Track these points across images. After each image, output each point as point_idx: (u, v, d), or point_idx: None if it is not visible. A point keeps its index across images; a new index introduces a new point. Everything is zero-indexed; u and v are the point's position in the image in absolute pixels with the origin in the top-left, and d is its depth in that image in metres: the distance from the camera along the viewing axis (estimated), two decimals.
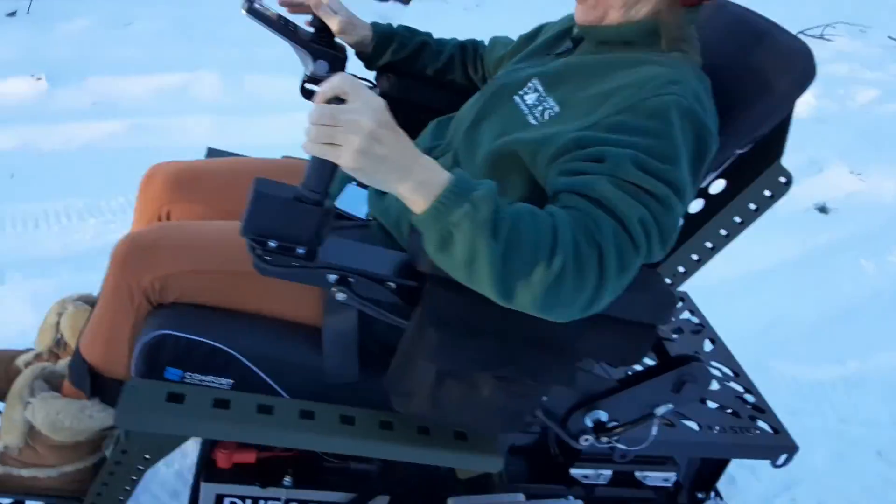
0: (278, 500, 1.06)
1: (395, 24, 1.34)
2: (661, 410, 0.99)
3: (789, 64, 0.95)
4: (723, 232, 1.04)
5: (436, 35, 1.41)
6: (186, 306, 0.96)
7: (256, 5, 1.21)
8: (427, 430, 0.94)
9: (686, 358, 1.00)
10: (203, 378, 0.94)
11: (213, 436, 1.02)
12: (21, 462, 0.99)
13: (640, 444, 1.00)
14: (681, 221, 0.86)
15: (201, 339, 0.93)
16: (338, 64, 1.26)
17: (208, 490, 1.05)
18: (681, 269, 1.06)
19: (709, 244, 1.05)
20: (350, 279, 0.81)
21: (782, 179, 1.00)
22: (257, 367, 0.95)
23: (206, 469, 1.06)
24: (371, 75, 1.37)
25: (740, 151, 1.00)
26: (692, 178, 0.85)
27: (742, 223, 1.04)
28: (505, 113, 1.01)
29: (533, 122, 0.96)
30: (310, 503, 1.08)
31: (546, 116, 0.95)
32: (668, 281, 1.05)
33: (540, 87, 0.99)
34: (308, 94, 1.27)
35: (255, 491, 1.05)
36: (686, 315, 1.56)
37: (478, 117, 1.05)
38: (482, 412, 0.90)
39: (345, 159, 0.68)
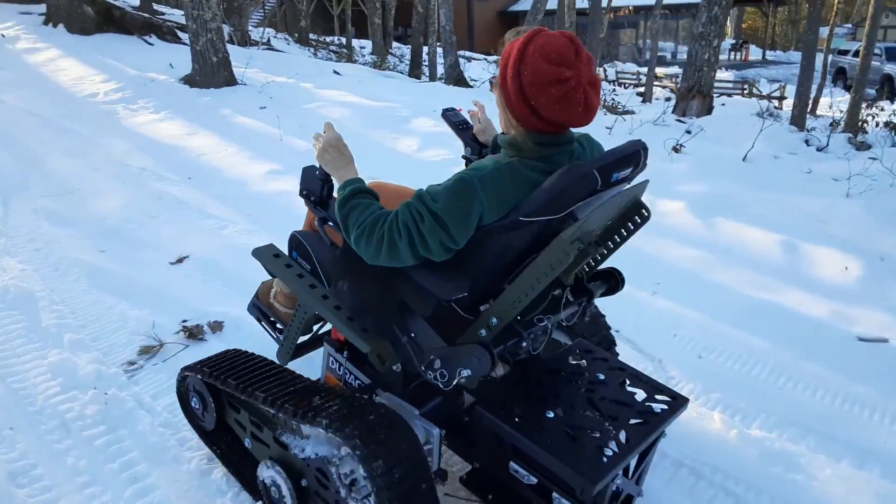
0: (342, 364, 1.91)
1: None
2: (464, 373, 1.51)
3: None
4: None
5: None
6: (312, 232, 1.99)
7: (448, 112, 2.23)
8: (352, 318, 1.69)
9: (480, 343, 1.49)
10: (299, 259, 1.93)
11: (277, 275, 1.89)
12: (282, 300, 2.13)
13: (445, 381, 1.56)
14: (441, 242, 1.42)
15: (303, 242, 1.94)
16: (475, 148, 2.14)
17: (326, 348, 1.95)
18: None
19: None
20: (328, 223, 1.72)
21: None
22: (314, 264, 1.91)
23: (327, 337, 1.97)
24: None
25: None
26: (454, 217, 1.41)
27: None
28: None
29: None
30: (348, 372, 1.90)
31: None
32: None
33: None
34: (466, 161, 2.09)
35: (339, 356, 1.90)
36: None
37: None
38: (361, 305, 1.75)
39: (316, 157, 1.70)
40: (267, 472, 1.72)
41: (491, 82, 1.61)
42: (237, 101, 6.68)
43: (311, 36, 19.66)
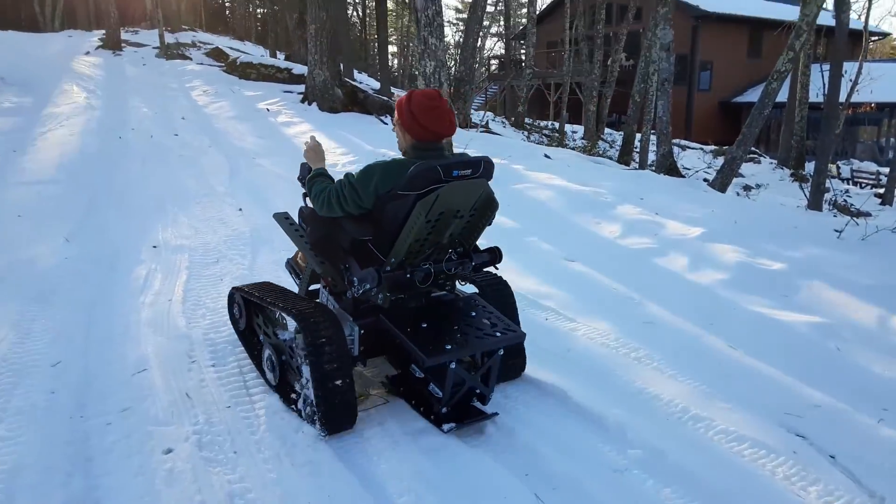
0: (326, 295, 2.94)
1: None
2: (365, 285, 2.54)
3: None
4: None
5: None
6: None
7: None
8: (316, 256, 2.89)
9: (374, 269, 2.50)
10: (303, 223, 3.07)
11: (284, 230, 3.21)
12: (301, 259, 3.20)
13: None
14: (354, 200, 2.53)
15: (304, 212, 3.06)
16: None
17: (321, 288, 3.00)
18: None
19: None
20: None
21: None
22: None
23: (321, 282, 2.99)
24: None
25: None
26: (362, 185, 2.49)
27: None
28: None
29: None
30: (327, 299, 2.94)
31: None
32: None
33: None
34: None
35: (324, 292, 2.94)
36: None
37: None
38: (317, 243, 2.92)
39: (303, 154, 2.92)
40: (266, 352, 2.87)
41: (394, 124, 2.70)
42: None
43: (527, 120, 20.55)
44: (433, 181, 2.36)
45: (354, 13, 40.96)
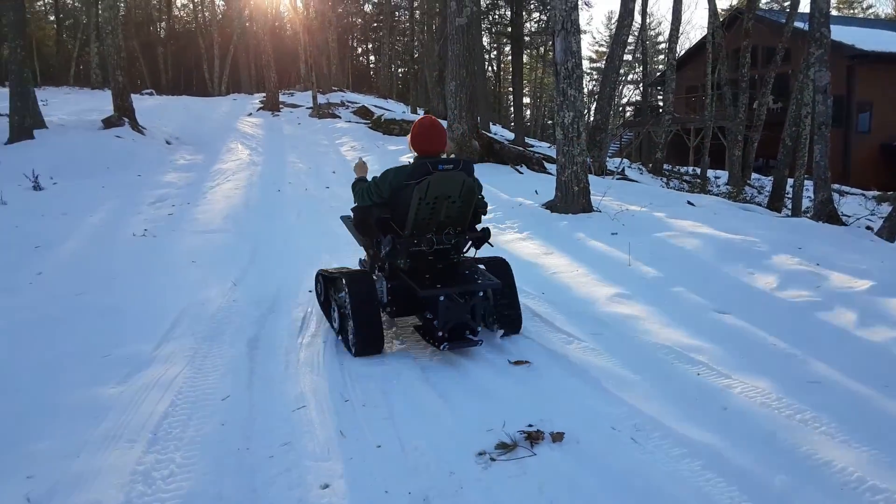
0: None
1: None
2: (385, 248, 3.83)
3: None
4: None
5: None
6: None
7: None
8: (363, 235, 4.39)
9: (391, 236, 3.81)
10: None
11: (345, 224, 4.92)
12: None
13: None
14: (377, 193, 3.96)
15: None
16: None
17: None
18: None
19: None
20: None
21: None
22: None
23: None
24: None
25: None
26: (380, 183, 3.90)
27: None
28: None
29: None
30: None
31: None
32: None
33: None
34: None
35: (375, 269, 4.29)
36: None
37: None
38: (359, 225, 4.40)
39: (354, 169, 4.56)
40: (333, 308, 4.15)
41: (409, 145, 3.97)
42: (591, 227, 7.11)
43: (665, 166, 19.96)
44: (425, 172, 3.63)
45: (490, 68, 42.19)
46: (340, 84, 30.84)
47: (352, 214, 4.50)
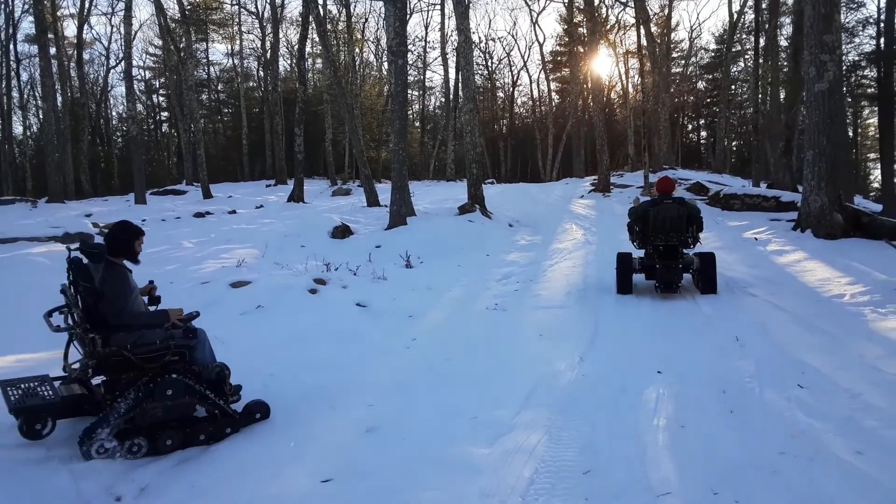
0: None
1: None
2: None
3: None
4: None
5: None
6: None
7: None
8: None
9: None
10: None
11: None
12: None
13: None
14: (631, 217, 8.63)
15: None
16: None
17: None
18: None
19: None
20: None
21: None
22: None
23: None
24: None
25: None
26: (630, 214, 8.74)
27: None
28: None
29: None
30: None
31: None
32: None
33: None
34: None
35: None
36: None
37: None
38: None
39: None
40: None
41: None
42: None
43: None
44: (657, 203, 7.80)
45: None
46: (670, 162, 30.33)
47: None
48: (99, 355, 3.79)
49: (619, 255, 7.92)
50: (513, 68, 55.97)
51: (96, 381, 4.19)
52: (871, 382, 4.40)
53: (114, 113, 45.18)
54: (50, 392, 4.03)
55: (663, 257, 7.69)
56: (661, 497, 2.99)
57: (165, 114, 46.74)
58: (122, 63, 31.07)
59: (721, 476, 3.17)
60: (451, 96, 34.14)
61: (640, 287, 8.12)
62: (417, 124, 44.96)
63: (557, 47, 45.49)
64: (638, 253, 8.21)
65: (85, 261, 3.95)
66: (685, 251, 7.89)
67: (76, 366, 4.00)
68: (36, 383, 4.13)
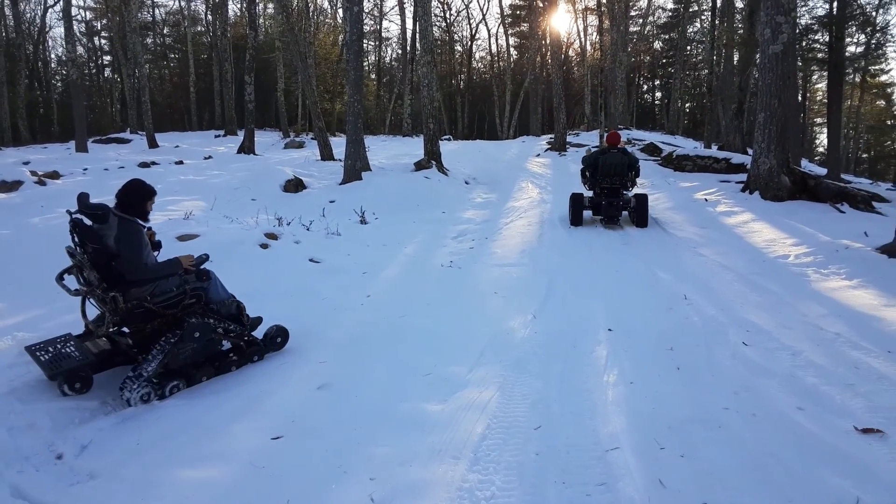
0: None
1: None
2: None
3: None
4: None
5: None
6: None
7: None
8: None
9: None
10: None
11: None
12: None
13: None
14: (584, 165, 11.01)
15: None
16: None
17: None
18: None
19: None
20: None
21: None
22: None
23: None
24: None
25: None
26: (583, 163, 11.34)
27: None
28: None
29: None
30: None
31: None
32: None
33: None
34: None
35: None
36: None
37: None
38: None
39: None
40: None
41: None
42: None
43: None
44: (605, 152, 10.02)
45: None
46: (626, 122, 30.56)
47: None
48: (122, 311, 3.95)
49: (573, 195, 9.94)
50: (472, 21, 55.36)
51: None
52: (813, 341, 4.55)
53: (52, 56, 43.00)
54: (77, 351, 4.13)
55: (608, 196, 9.80)
56: (610, 452, 3.04)
57: (108, 58, 44.58)
58: (61, 2, 29.30)
59: (668, 431, 3.24)
60: (409, 48, 33.44)
61: (595, 245, 8.19)
62: (374, 76, 44.01)
63: (517, 0, 44.88)
64: (588, 194, 10.27)
65: (87, 222, 4.01)
66: (624, 192, 10.02)
67: (98, 323, 4.18)
68: (60, 344, 4.21)
